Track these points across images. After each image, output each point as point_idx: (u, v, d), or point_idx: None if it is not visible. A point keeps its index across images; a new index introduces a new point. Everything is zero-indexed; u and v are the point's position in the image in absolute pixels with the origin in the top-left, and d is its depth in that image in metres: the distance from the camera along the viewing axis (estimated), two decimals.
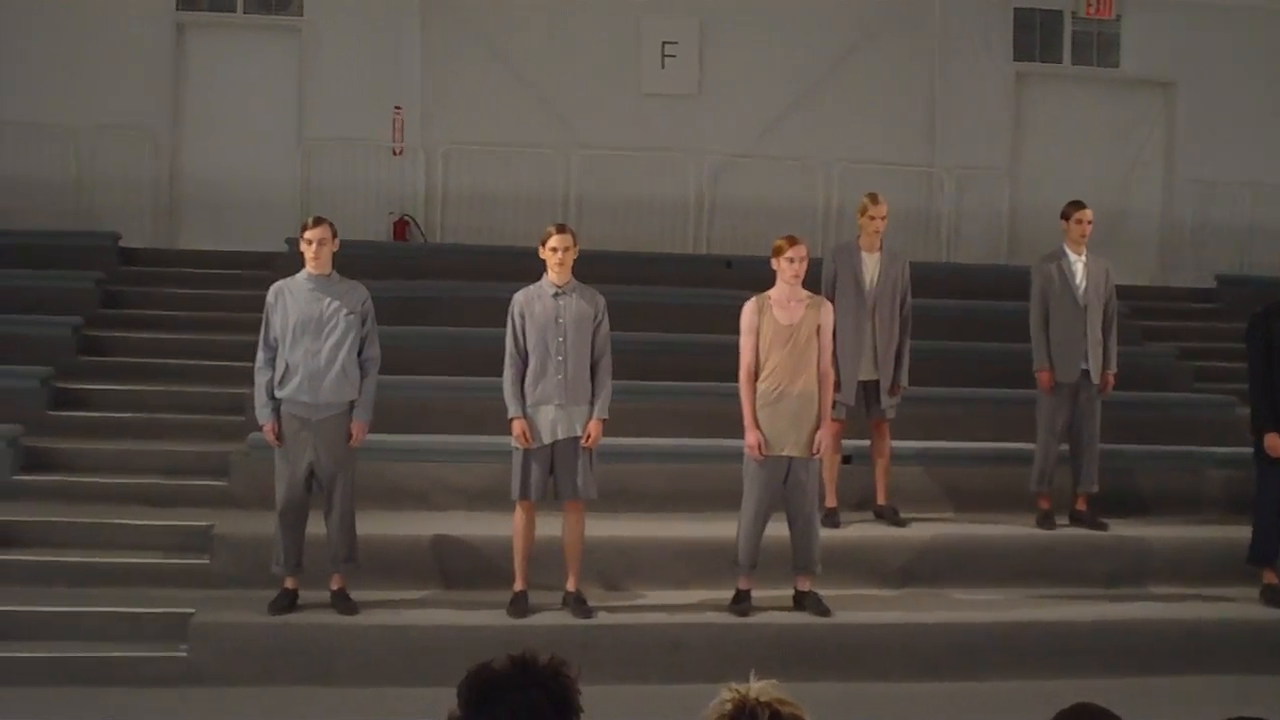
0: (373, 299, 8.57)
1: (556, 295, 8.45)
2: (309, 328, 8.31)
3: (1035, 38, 15.93)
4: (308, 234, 8.42)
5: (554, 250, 8.44)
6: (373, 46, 14.82)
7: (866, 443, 10.07)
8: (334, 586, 8.45)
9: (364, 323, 8.44)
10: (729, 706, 2.70)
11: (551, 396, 8.38)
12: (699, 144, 14.98)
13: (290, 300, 8.36)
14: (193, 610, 8.28)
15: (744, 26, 15.19)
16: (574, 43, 14.99)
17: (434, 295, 12.52)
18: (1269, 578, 9.48)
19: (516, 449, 8.43)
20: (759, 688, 2.73)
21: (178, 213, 14.75)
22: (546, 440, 8.39)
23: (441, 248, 14.30)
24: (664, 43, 15.20)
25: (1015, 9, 15.74)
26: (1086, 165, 15.45)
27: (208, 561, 8.92)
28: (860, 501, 10.09)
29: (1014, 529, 9.99)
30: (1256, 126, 15.81)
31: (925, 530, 9.88)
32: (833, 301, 9.38)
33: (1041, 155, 15.71)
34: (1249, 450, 9.61)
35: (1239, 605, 9.47)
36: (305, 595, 8.43)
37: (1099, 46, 15.98)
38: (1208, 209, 15.81)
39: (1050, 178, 14.95)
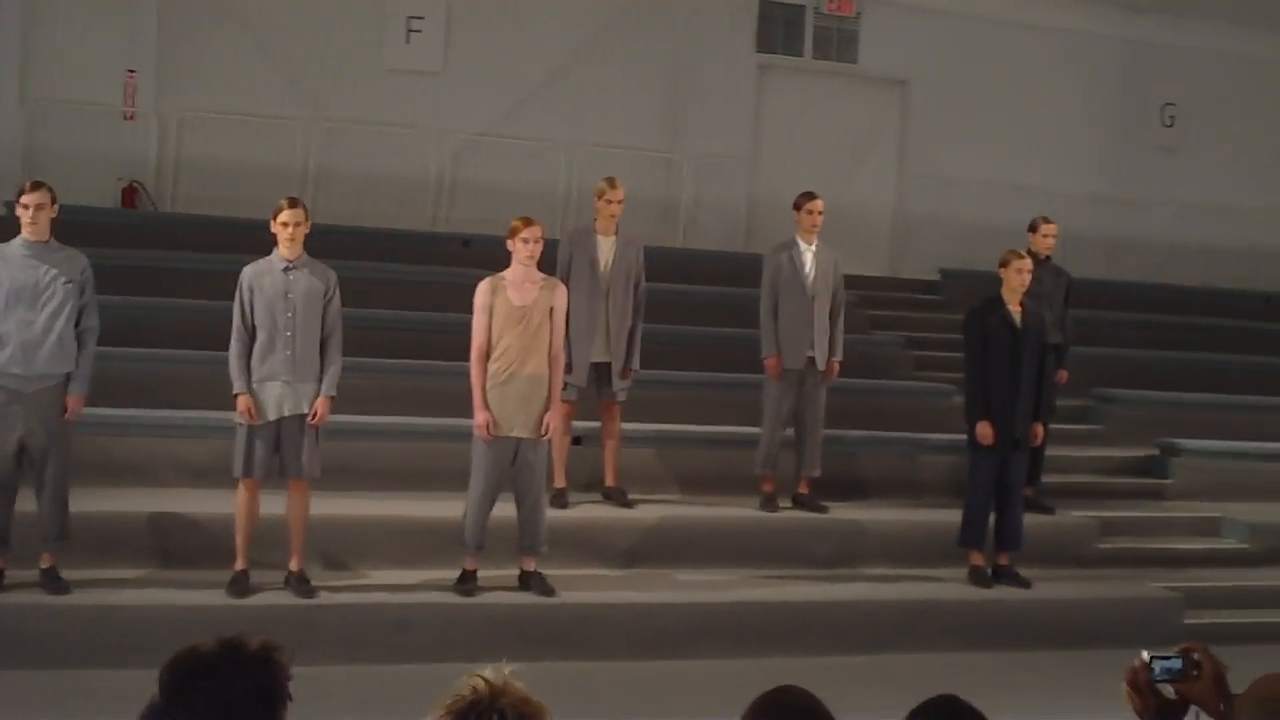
0: (96, 268, 8.28)
1: (286, 270, 8.30)
2: (24, 296, 7.99)
3: (778, 30, 16.21)
4: (24, 199, 8.08)
5: (284, 224, 8.30)
6: (105, 6, 14.28)
7: (597, 424, 10.15)
8: (43, 565, 8.13)
9: (82, 292, 8.15)
10: (466, 695, 2.64)
11: (278, 373, 8.23)
12: (442, 122, 14.86)
13: (4, 268, 8.03)
14: None
15: (491, 6, 15.12)
16: (318, 14, 14.70)
17: (162, 265, 12.12)
18: (976, 560, 9.90)
19: (241, 425, 8.26)
20: (505, 680, 2.66)
21: None
22: (272, 417, 8.24)
23: (172, 217, 13.90)
24: (409, 18, 15.03)
25: (760, 1, 16.02)
26: (824, 157, 15.79)
27: None
28: (589, 482, 10.18)
29: (739, 511, 10.21)
30: (984, 128, 16.42)
31: (652, 511, 10.02)
32: (567, 284, 9.44)
33: (781, 146, 16.00)
34: (964, 437, 9.99)
35: (949, 586, 9.90)
36: (13, 575, 8.10)
37: (839, 42, 16.36)
38: (936, 204, 16.35)
39: (789, 168, 15.21)
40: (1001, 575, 9.91)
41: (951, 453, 10.91)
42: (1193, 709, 3.11)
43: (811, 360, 10.28)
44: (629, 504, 10.02)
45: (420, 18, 15.02)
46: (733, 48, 15.89)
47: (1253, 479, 12.32)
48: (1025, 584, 9.87)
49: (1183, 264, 17.02)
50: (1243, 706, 2.91)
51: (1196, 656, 3.09)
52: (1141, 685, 3.13)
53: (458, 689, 2.66)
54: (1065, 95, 16.84)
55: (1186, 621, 9.96)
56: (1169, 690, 3.12)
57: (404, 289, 12.33)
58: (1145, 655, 3.14)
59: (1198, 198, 17.31)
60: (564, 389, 9.23)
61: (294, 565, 8.43)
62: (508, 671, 2.70)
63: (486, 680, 2.65)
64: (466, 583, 8.68)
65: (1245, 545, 11.36)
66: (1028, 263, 9.94)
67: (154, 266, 12.04)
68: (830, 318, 10.39)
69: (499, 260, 8.92)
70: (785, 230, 10.73)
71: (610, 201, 9.99)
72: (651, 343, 10.39)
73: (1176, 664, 3.11)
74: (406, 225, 14.24)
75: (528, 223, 8.70)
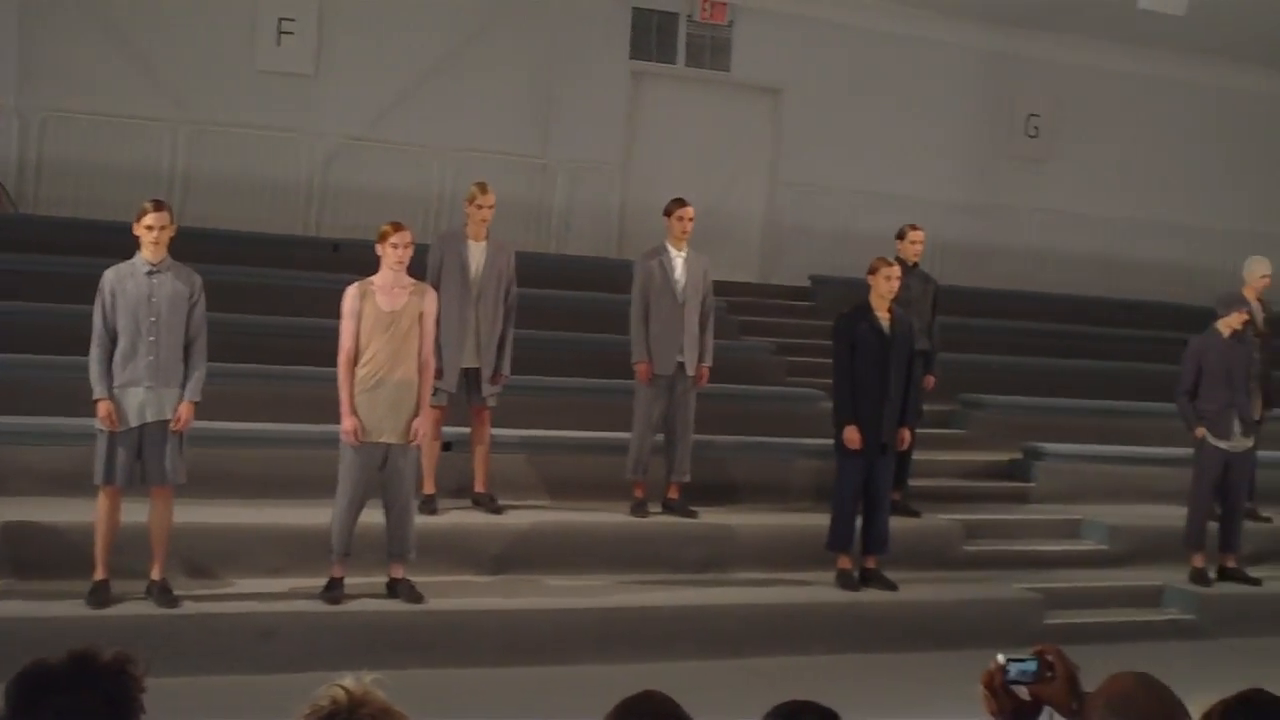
0: None
1: (150, 274, 8.16)
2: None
3: (651, 38, 16.24)
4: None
5: (149, 228, 8.16)
6: None
7: (467, 430, 10.11)
8: None
9: None
10: (325, 705, 2.61)
11: (141, 378, 8.09)
12: (313, 125, 14.67)
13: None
14: None
15: (364, 9, 14.96)
16: (187, 14, 14.43)
17: (21, 268, 11.83)
18: (843, 563, 10.01)
19: (101, 432, 8.10)
20: (365, 689, 2.63)
21: None
22: (134, 423, 8.09)
23: (33, 219, 13.57)
24: (281, 19, 14.83)
25: (633, 9, 16.02)
26: (696, 165, 15.85)
27: None
28: (459, 488, 10.13)
29: (609, 516, 10.23)
30: (854, 137, 16.58)
31: (522, 517, 10.00)
32: (438, 289, 9.40)
33: (654, 153, 16.02)
34: (832, 442, 10.09)
35: (818, 589, 10.00)
36: None
37: (712, 50, 16.42)
38: (807, 212, 16.49)
39: (661, 175, 15.27)
40: (869, 578, 10.03)
41: (820, 457, 11.02)
42: (1046, 709, 3.16)
43: (681, 366, 10.34)
44: (499, 510, 9.99)
45: (292, 19, 14.82)
46: (606, 55, 15.89)
47: (1112, 481, 12.61)
48: (892, 586, 10.00)
49: (1047, 272, 17.34)
50: (1094, 705, 2.96)
51: (1050, 658, 3.15)
52: (996, 687, 3.18)
53: (316, 699, 2.64)
54: (934, 106, 17.07)
55: (1047, 621, 10.17)
56: (1023, 691, 3.18)
57: (273, 293, 12.17)
58: (1000, 658, 3.19)
59: (1061, 207, 17.65)
60: (434, 394, 9.20)
61: (156, 574, 8.27)
62: (368, 680, 2.68)
63: (346, 690, 2.63)
64: (333, 590, 8.59)
65: (1104, 546, 11.62)
66: (896, 270, 10.07)
67: (13, 269, 11.75)
68: (700, 324, 10.45)
69: (369, 265, 8.85)
70: (657, 237, 10.76)
71: (481, 206, 9.96)
72: (522, 348, 10.37)
73: (1031, 666, 3.16)
74: (276, 229, 14.06)
75: (397, 228, 8.65)
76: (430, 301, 8.80)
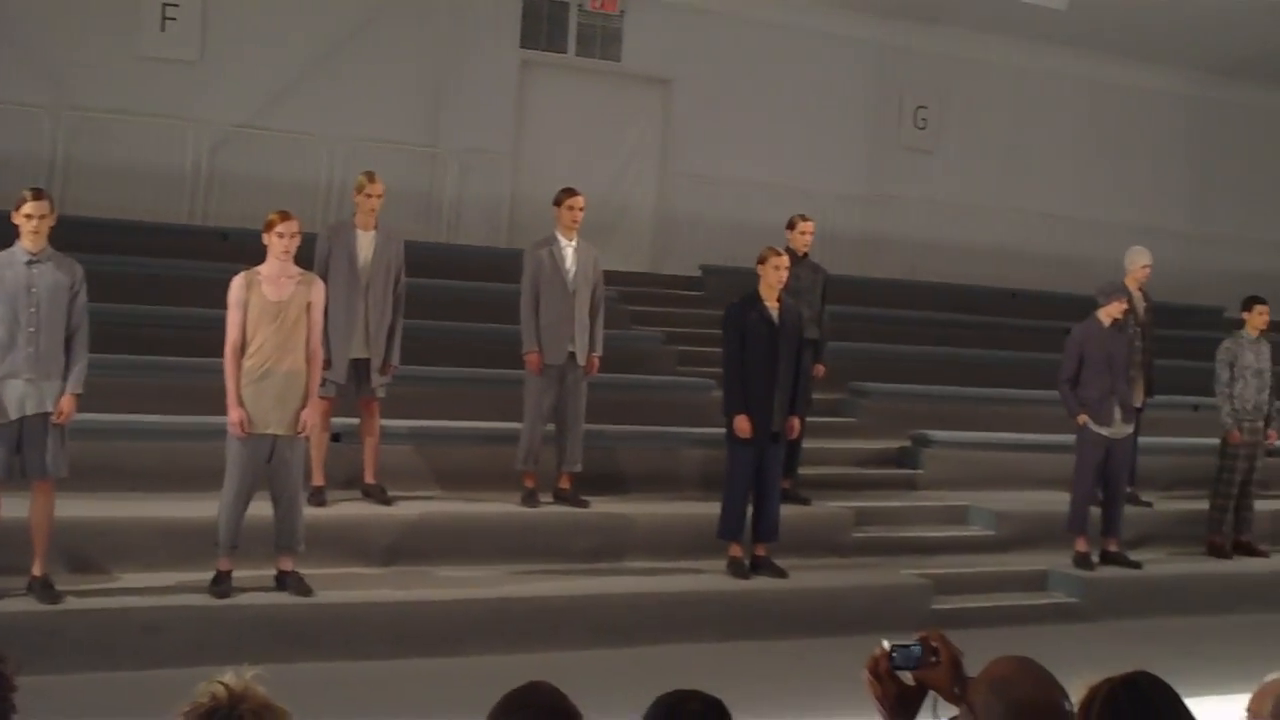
0: None
1: (30, 263, 7.99)
2: None
3: (542, 27, 16.20)
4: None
5: (28, 216, 7.99)
6: None
7: (356, 421, 10.04)
8: None
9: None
10: (205, 702, 2.59)
11: (20, 370, 7.92)
12: (199, 112, 14.47)
13: None
14: None
15: None
16: None
17: None
18: (734, 551, 10.07)
19: None
20: (245, 685, 2.62)
21: None
22: (14, 416, 7.92)
23: None
24: (164, 4, 14.60)
25: None
26: (587, 154, 15.85)
27: None
28: (348, 480, 10.04)
29: (500, 507, 10.20)
30: (745, 127, 16.67)
31: (413, 508, 9.94)
32: (326, 279, 9.31)
33: (545, 142, 16.00)
34: (722, 430, 10.14)
35: (709, 577, 10.03)
36: None
37: (602, 40, 16.42)
38: (698, 202, 16.54)
39: (552, 165, 15.25)
40: (759, 566, 10.10)
41: (710, 446, 11.06)
42: (930, 694, 3.21)
43: (572, 356, 10.33)
44: (388, 501, 9.93)
45: (175, 4, 14.60)
46: (496, 43, 15.83)
47: (999, 468, 12.80)
48: (782, 574, 10.07)
49: (935, 261, 17.56)
50: (975, 690, 3.01)
51: (934, 644, 3.20)
52: (881, 673, 3.22)
53: (196, 696, 2.61)
54: (824, 96, 17.21)
55: (935, 607, 10.31)
56: (908, 677, 3.22)
57: (158, 283, 11.97)
58: (885, 644, 3.24)
59: (949, 197, 17.88)
60: (322, 385, 9.12)
61: (37, 570, 8.10)
62: (249, 676, 2.66)
63: (226, 686, 2.61)
64: (221, 584, 8.47)
65: (991, 532, 11.79)
66: (785, 260, 10.14)
67: None
68: (591, 314, 10.45)
69: (257, 254, 8.73)
70: (548, 226, 10.74)
71: (370, 196, 9.89)
72: (412, 338, 10.32)
73: (915, 651, 3.20)
74: (161, 218, 13.84)
75: (284, 217, 8.55)
76: (318, 291, 8.72)
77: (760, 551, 10.13)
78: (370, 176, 9.98)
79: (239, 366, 8.40)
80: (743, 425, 9.83)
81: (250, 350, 8.41)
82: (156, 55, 14.47)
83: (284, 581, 8.61)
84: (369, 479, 10.00)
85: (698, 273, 15.73)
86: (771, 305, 10.00)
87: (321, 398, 9.19)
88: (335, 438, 10.10)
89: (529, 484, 10.33)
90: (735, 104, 16.67)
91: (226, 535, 8.44)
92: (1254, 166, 19.89)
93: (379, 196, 9.91)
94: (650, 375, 12.80)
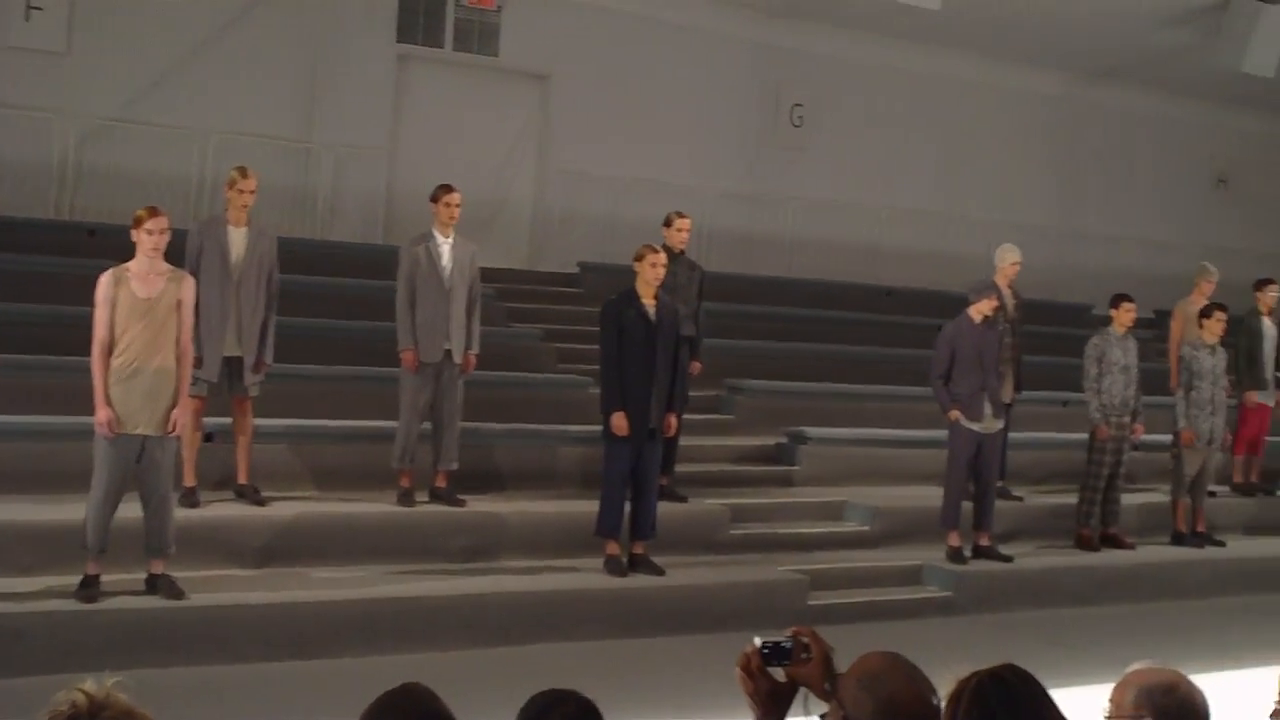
0: None
1: None
2: None
3: (419, 21, 16.08)
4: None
5: None
6: None
7: (229, 420, 9.89)
8: None
9: None
10: (64, 710, 2.52)
11: None
12: (66, 105, 14.13)
13: None
14: None
15: None
16: None
17: None
18: (611, 549, 10.07)
19: None
20: (106, 692, 2.55)
21: None
22: None
23: None
24: None
25: None
26: (465, 150, 15.75)
27: None
28: (221, 480, 9.90)
29: (375, 506, 10.12)
30: (624, 123, 16.68)
31: (287, 509, 9.82)
32: (197, 275, 9.17)
33: (422, 138, 15.88)
34: (600, 428, 10.14)
35: (586, 575, 10.03)
36: None
37: (480, 35, 16.33)
38: (576, 198, 16.52)
39: (430, 161, 15.13)
40: (637, 563, 10.11)
41: (588, 444, 11.06)
42: (802, 690, 3.23)
43: (449, 353, 10.28)
44: (262, 501, 9.80)
45: None
46: (372, 37, 15.68)
47: (874, 464, 12.96)
48: (659, 571, 10.09)
49: (811, 259, 17.71)
50: (845, 685, 3.03)
51: (805, 639, 3.21)
52: (753, 669, 3.23)
53: (55, 704, 2.56)
54: (703, 94, 17.28)
55: (811, 602, 10.40)
56: (779, 673, 3.23)
57: (23, 280, 11.68)
58: (757, 640, 3.25)
59: (825, 195, 18.04)
60: (194, 384, 9.00)
61: None
62: (110, 683, 2.60)
63: (86, 694, 2.56)
64: (89, 588, 8.30)
65: (866, 527, 11.92)
66: (662, 257, 10.16)
67: None
68: (467, 311, 10.40)
69: (126, 251, 8.56)
70: (426, 222, 10.66)
71: (242, 191, 9.76)
72: (285, 336, 10.19)
73: (786, 647, 3.22)
74: (26, 213, 13.53)
75: (153, 212, 8.40)
76: (188, 289, 8.57)
77: (638, 549, 10.14)
78: (243, 172, 9.85)
79: (107, 365, 8.24)
80: (620, 423, 9.84)
81: (119, 349, 8.25)
82: (21, 45, 14.13)
83: (155, 585, 8.46)
84: (242, 479, 9.86)
85: (576, 269, 15.71)
86: (648, 303, 10.01)
87: (192, 396, 9.06)
88: (207, 437, 9.94)
89: (404, 483, 10.26)
90: (614, 100, 16.68)
91: (95, 538, 8.27)
92: (1121, 166, 20.35)
93: (252, 192, 9.78)
94: (528, 373, 12.76)
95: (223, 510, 9.64)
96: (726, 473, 12.32)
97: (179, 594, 8.43)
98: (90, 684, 2.57)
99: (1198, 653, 8.76)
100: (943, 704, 2.95)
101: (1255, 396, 13.87)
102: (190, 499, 9.47)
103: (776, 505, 12.04)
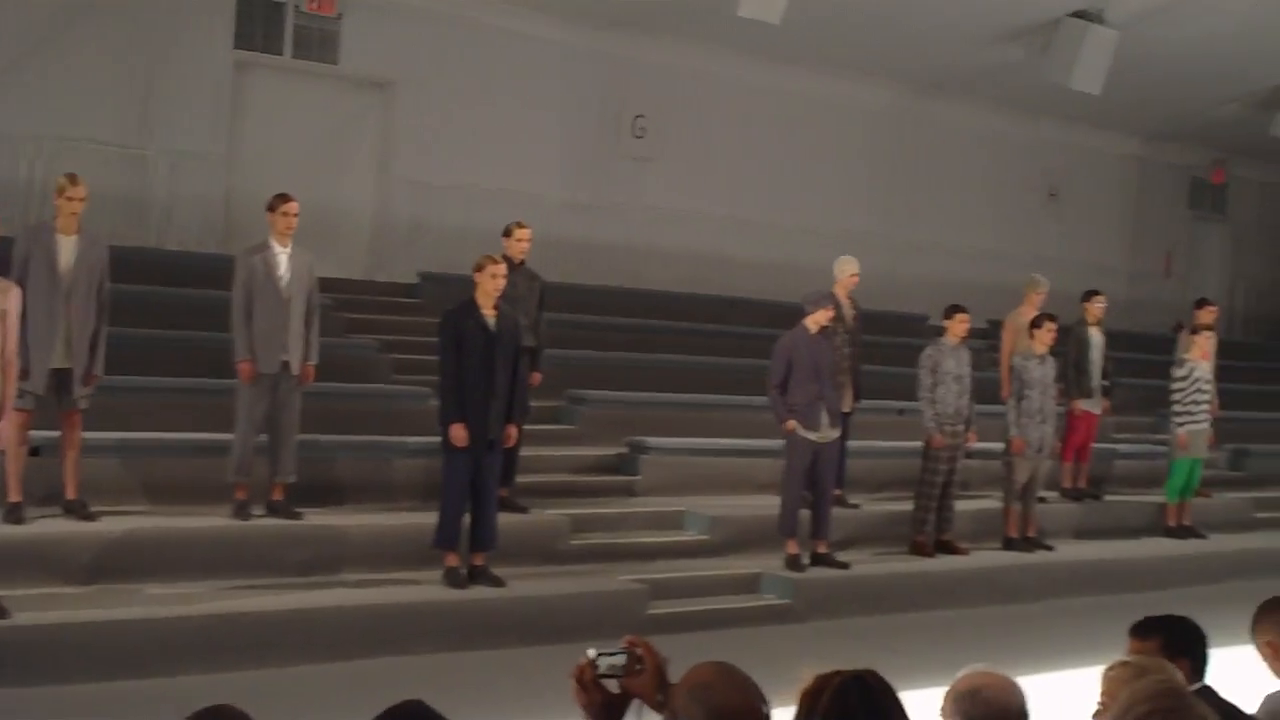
0: None
1: None
2: None
3: (257, 28, 15.83)
4: None
5: None
6: None
7: (57, 434, 9.64)
8: None
9: None
10: None
11: None
12: None
13: None
14: None
15: None
16: None
17: None
18: (451, 561, 10.02)
19: None
20: None
21: None
22: None
23: None
24: None
25: None
26: (305, 159, 15.52)
27: None
28: (48, 495, 9.64)
29: (210, 520, 9.96)
30: (466, 132, 16.58)
31: (118, 524, 9.60)
32: (24, 285, 8.94)
33: (260, 146, 15.61)
34: (439, 439, 10.08)
35: (426, 588, 9.98)
36: None
37: (320, 42, 16.12)
38: (418, 208, 16.39)
39: (269, 168, 14.87)
40: (476, 575, 10.07)
41: (427, 455, 10.99)
42: (635, 702, 3.24)
43: (286, 364, 10.15)
44: (91, 517, 9.57)
45: None
46: (209, 43, 15.39)
47: (714, 473, 13.07)
48: (499, 583, 10.07)
49: (651, 269, 17.77)
50: (677, 696, 3.06)
51: (639, 651, 3.23)
52: (587, 681, 3.24)
53: None
54: (546, 103, 17.25)
55: (651, 611, 10.45)
56: (613, 685, 3.24)
57: None
58: (591, 652, 3.26)
59: (668, 205, 18.12)
60: (19, 397, 8.77)
61: None
62: None
63: None
64: None
65: (705, 536, 12.02)
66: (502, 267, 10.15)
67: None
68: (305, 321, 10.28)
69: None
70: (265, 232, 10.51)
71: (71, 199, 9.54)
72: (117, 347, 9.98)
73: (619, 659, 3.23)
74: None
75: None
76: (13, 298, 8.37)
77: (477, 561, 10.10)
78: (72, 179, 9.62)
79: None
80: (458, 434, 9.79)
81: None
82: None
83: None
84: (70, 494, 9.62)
85: (415, 280, 15.59)
86: (488, 313, 9.99)
87: (18, 409, 8.83)
88: (34, 451, 9.69)
89: (240, 496, 10.09)
90: (457, 109, 16.57)
91: None
92: (956, 179, 20.75)
93: (81, 200, 9.57)
94: (366, 384, 12.64)
95: (50, 526, 9.39)
96: (567, 483, 12.32)
97: (3, 613, 8.21)
98: None
99: (1027, 655, 8.96)
100: (770, 714, 3.00)
101: (1081, 405, 14.27)
102: (15, 515, 9.21)
103: (617, 515, 12.08)
